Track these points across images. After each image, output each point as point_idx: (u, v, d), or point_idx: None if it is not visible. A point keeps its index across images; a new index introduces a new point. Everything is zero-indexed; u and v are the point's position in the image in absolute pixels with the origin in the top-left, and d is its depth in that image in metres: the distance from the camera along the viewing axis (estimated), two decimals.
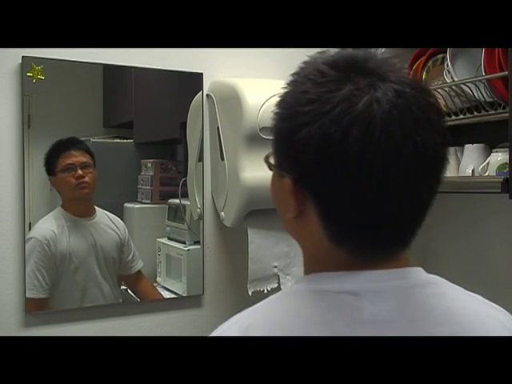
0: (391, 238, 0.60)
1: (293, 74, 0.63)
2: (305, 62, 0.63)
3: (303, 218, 0.62)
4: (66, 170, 1.50)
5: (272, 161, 0.66)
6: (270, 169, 0.67)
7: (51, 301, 1.49)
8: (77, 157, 1.52)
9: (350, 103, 0.56)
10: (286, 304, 0.63)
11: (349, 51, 0.61)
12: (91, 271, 1.53)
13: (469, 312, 0.63)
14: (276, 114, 0.63)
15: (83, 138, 1.53)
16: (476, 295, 0.67)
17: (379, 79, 0.57)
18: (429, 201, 0.61)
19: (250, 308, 0.64)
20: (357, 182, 0.56)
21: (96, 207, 1.59)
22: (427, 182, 0.59)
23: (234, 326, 0.62)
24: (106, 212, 1.60)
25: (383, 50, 0.68)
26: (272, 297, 0.65)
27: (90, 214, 1.58)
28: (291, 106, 0.60)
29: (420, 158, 0.57)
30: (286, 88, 0.63)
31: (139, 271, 1.65)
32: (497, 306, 0.67)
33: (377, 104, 0.56)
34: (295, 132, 0.58)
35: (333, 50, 0.62)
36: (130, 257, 1.63)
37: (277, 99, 0.63)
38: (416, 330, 0.59)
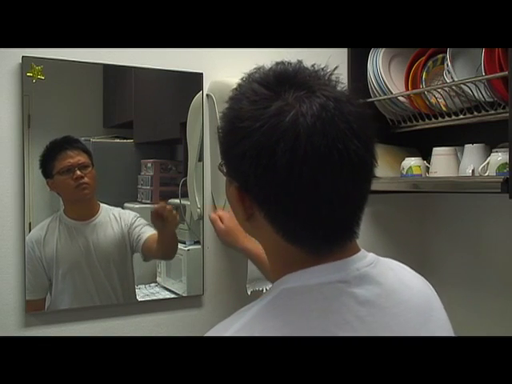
0: (333, 235, 0.67)
1: (233, 90, 0.71)
2: (242, 79, 0.71)
3: (255, 220, 0.69)
4: (63, 173, 1.47)
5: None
6: (225, 175, 0.74)
7: (42, 303, 1.47)
8: (73, 157, 1.48)
9: (279, 119, 0.62)
10: (290, 303, 0.64)
11: (280, 66, 0.68)
12: (82, 275, 1.49)
13: (408, 278, 0.75)
14: (220, 128, 0.71)
15: (83, 138, 1.52)
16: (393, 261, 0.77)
17: (306, 93, 0.63)
18: (361, 200, 0.67)
19: (247, 315, 0.64)
20: (288, 189, 0.62)
21: (102, 204, 1.56)
22: (355, 183, 0.65)
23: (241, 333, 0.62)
24: (112, 209, 1.57)
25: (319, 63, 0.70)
26: (264, 300, 0.66)
27: (92, 215, 1.54)
28: (231, 121, 0.68)
29: (344, 164, 0.62)
30: (228, 103, 0.70)
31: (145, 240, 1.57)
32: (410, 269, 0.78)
33: (302, 118, 0.62)
34: (234, 146, 0.66)
35: (267, 66, 0.69)
36: (137, 234, 1.57)
37: (221, 114, 0.71)
38: (398, 298, 0.69)
